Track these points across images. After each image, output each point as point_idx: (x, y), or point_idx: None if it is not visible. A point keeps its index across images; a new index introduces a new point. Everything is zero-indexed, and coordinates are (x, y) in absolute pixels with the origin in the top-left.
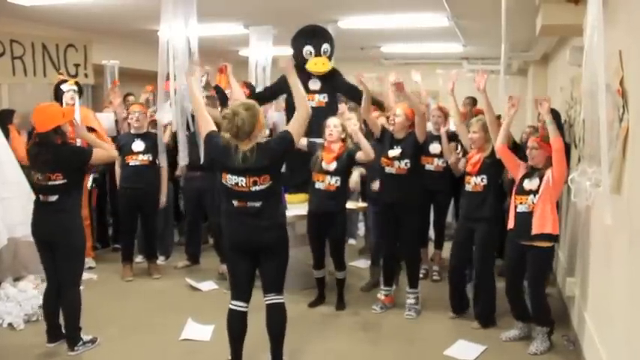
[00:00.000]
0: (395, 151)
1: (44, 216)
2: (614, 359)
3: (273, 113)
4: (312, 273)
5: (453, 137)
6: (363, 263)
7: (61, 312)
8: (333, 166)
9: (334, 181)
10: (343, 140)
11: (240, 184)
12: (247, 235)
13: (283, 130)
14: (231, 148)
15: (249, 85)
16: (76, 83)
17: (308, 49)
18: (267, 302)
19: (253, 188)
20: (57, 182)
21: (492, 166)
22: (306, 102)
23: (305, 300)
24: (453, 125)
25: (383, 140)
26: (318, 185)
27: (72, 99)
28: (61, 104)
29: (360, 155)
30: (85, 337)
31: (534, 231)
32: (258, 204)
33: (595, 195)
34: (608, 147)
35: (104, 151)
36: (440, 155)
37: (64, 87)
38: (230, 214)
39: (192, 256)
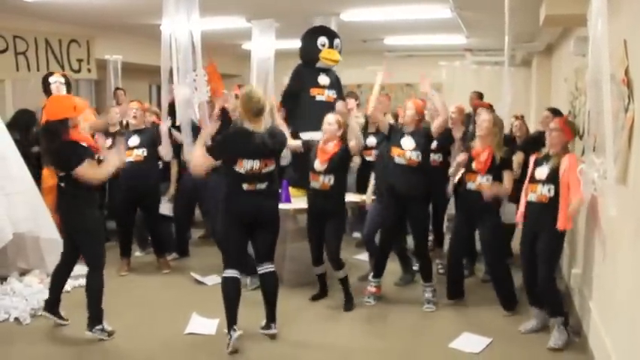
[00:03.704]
0: (408, 142)
1: (59, 203)
2: (619, 349)
3: None
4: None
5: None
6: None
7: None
8: (324, 166)
9: (327, 180)
10: (341, 138)
11: (254, 168)
12: (251, 208)
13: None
14: (246, 135)
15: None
16: (64, 76)
17: (322, 40)
18: (263, 271)
19: (264, 170)
20: (61, 174)
21: (499, 169)
22: None
23: (307, 294)
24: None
25: (391, 134)
26: (313, 184)
27: (57, 89)
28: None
29: (351, 145)
30: (107, 326)
31: (560, 226)
32: (264, 185)
33: (602, 186)
34: (614, 138)
35: (95, 171)
36: (436, 150)
37: (51, 79)
38: (237, 194)
39: (182, 250)
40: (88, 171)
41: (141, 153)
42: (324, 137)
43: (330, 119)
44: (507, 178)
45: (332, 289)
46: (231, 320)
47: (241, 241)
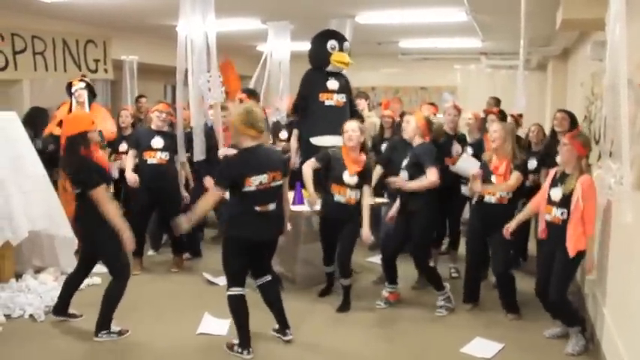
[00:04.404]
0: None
1: (78, 215)
2: (632, 353)
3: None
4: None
5: (462, 140)
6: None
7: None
8: (355, 179)
9: (354, 195)
10: (362, 147)
11: (262, 182)
12: (261, 236)
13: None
14: (252, 151)
15: (251, 92)
16: (83, 81)
17: (332, 43)
18: (262, 282)
19: (273, 184)
20: (77, 191)
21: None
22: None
23: (315, 297)
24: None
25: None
26: (338, 198)
27: (80, 96)
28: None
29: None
30: (115, 327)
31: (571, 254)
32: (274, 205)
33: (618, 192)
34: (630, 143)
35: (106, 200)
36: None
37: (73, 89)
38: (247, 221)
39: (195, 250)
40: (102, 196)
41: (165, 156)
42: (348, 144)
43: (352, 125)
44: (514, 177)
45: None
46: (246, 338)
47: (247, 262)
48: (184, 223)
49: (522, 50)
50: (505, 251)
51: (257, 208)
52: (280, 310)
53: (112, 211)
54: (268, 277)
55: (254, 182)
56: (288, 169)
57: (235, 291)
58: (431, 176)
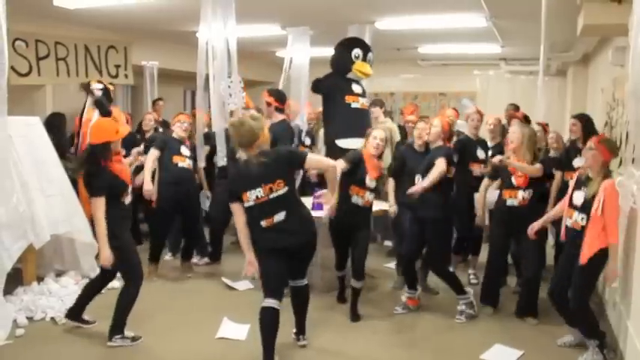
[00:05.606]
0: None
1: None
2: None
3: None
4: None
5: (483, 145)
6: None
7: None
8: (374, 184)
9: (372, 198)
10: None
11: (259, 197)
12: (282, 245)
13: (303, 151)
14: (246, 164)
15: (275, 93)
16: (100, 82)
17: (357, 51)
18: (296, 285)
19: (271, 196)
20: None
21: (538, 178)
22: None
23: (335, 302)
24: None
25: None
26: (356, 200)
27: (97, 94)
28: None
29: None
30: (128, 332)
31: (582, 260)
32: (282, 216)
33: None
34: None
35: (99, 215)
36: (485, 161)
37: (93, 86)
38: (261, 234)
39: (215, 255)
40: (98, 207)
41: (191, 164)
42: (374, 152)
43: (381, 134)
44: (536, 166)
45: (363, 299)
46: (270, 354)
47: (280, 269)
48: None
49: (542, 56)
50: (535, 255)
51: (262, 223)
52: (303, 316)
53: (102, 226)
54: (303, 282)
55: (250, 197)
56: (295, 161)
57: (267, 303)
58: (439, 164)
